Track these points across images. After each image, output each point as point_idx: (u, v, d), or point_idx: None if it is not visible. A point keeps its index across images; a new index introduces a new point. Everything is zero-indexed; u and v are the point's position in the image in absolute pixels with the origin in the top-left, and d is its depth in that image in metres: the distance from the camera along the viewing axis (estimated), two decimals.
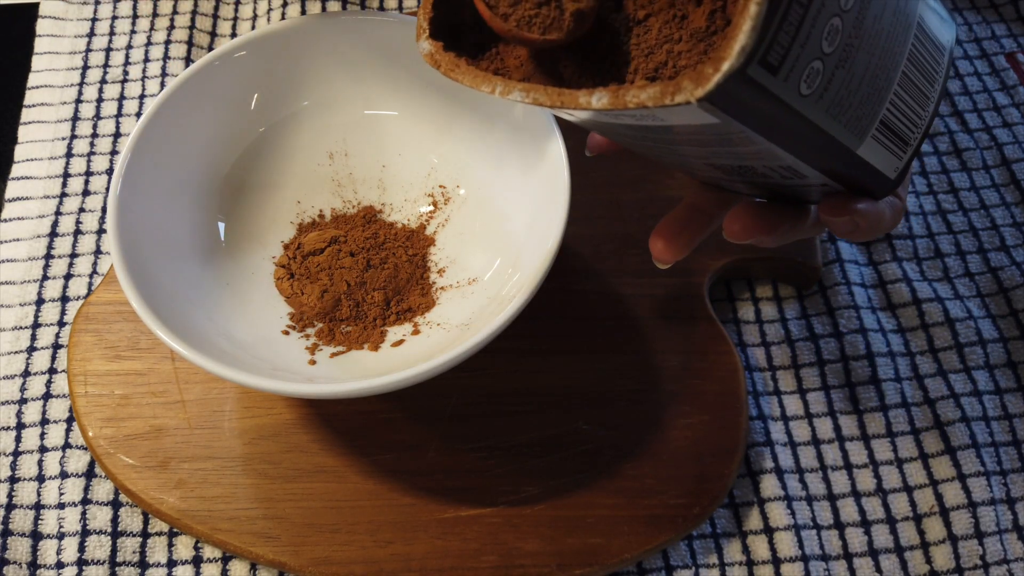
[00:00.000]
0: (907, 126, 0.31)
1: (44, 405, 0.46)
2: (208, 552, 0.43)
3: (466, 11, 0.34)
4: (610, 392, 0.46)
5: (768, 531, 0.43)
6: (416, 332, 0.44)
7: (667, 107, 0.25)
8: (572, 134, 0.44)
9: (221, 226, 0.47)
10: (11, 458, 0.45)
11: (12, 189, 0.54)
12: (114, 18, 0.61)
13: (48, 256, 0.51)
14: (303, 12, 0.61)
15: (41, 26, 0.60)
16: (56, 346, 0.48)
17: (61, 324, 0.49)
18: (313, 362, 0.43)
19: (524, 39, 0.32)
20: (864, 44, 0.27)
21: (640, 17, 0.32)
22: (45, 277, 0.50)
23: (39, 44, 0.60)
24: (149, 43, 0.60)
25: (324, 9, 0.61)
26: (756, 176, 0.33)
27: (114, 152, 0.55)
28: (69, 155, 0.55)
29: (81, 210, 0.53)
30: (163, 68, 0.58)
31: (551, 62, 0.33)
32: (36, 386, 0.47)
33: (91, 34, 0.60)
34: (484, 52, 0.35)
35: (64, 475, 0.44)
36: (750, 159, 0.31)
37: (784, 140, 0.28)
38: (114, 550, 0.43)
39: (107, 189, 0.53)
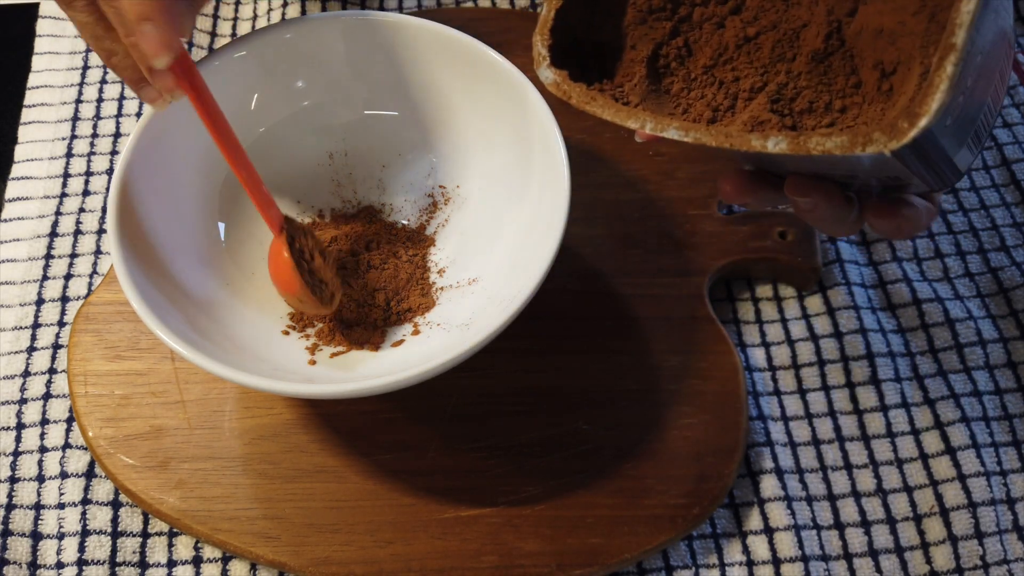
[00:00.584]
0: (986, 129, 0.33)
1: (44, 405, 0.46)
2: (208, 552, 0.43)
3: (577, 28, 0.34)
4: (610, 392, 0.46)
5: (768, 531, 0.43)
6: (416, 332, 0.44)
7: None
8: (573, 133, 0.44)
9: (221, 226, 0.47)
10: (11, 458, 0.45)
11: (12, 189, 0.54)
12: None
13: (48, 256, 0.51)
14: (303, 12, 0.61)
15: (41, 26, 0.60)
16: (56, 346, 0.48)
17: (61, 324, 0.49)
18: (313, 362, 0.43)
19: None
20: (983, 71, 0.29)
21: (751, 34, 0.33)
22: (45, 277, 0.50)
23: (39, 44, 0.60)
24: None
25: (324, 9, 0.61)
26: (851, 180, 0.34)
27: (114, 152, 0.55)
28: (69, 155, 0.55)
29: (81, 210, 0.53)
30: None
31: (658, 77, 0.33)
32: (36, 386, 0.47)
33: None
34: (592, 72, 0.35)
35: (64, 475, 0.44)
36: (869, 175, 0.32)
37: (916, 163, 0.29)
38: (114, 550, 0.43)
39: (107, 189, 0.53)
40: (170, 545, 0.43)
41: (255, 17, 0.62)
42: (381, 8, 0.62)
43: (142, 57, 0.37)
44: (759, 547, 0.43)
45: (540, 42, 0.33)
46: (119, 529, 0.43)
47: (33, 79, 0.58)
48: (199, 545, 0.43)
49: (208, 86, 0.39)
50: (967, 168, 0.34)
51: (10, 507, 0.43)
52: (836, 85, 0.31)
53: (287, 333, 0.44)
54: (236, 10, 0.62)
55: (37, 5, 0.61)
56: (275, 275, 0.43)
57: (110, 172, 0.54)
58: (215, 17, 0.62)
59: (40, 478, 0.44)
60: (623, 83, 0.34)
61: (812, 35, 0.32)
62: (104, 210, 0.53)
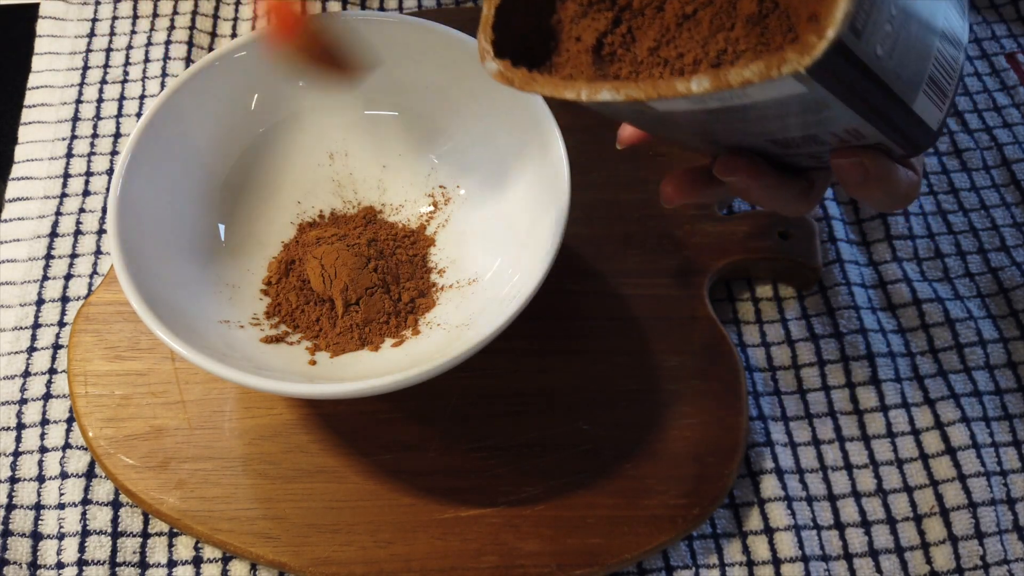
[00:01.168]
0: (947, 79, 0.32)
1: (44, 405, 0.46)
2: (208, 552, 0.43)
3: (522, 27, 0.35)
4: (610, 392, 0.46)
5: (768, 531, 0.43)
6: (416, 332, 0.44)
7: (769, 82, 0.26)
8: (573, 134, 0.44)
9: (221, 226, 0.47)
10: (11, 458, 0.45)
11: (12, 189, 0.54)
12: (114, 18, 0.61)
13: (48, 256, 0.51)
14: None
15: (41, 26, 0.60)
16: (56, 346, 0.48)
17: (61, 324, 0.49)
18: (313, 362, 0.43)
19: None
20: (918, 11, 0.29)
21: (689, 12, 0.33)
22: (45, 277, 0.50)
23: (39, 44, 0.60)
24: (149, 43, 0.60)
25: (324, 9, 0.61)
26: (812, 145, 0.33)
27: (114, 152, 0.55)
28: (69, 155, 0.55)
29: (81, 210, 0.53)
30: (163, 68, 0.58)
31: (604, 64, 0.34)
32: (36, 386, 0.47)
33: (91, 34, 0.60)
34: (541, 65, 0.35)
35: (64, 475, 0.44)
36: (817, 127, 0.31)
37: (859, 103, 0.29)
38: (114, 550, 0.43)
39: (107, 189, 0.53)
40: (170, 545, 0.43)
41: (255, 17, 0.62)
42: (381, 8, 0.62)
43: None
44: (759, 547, 0.43)
45: (483, 39, 0.34)
46: (119, 529, 0.43)
47: (33, 79, 0.58)
48: (199, 545, 0.43)
49: (208, 86, 0.39)
50: (938, 125, 0.33)
51: (10, 507, 0.44)
52: (774, 43, 0.31)
53: (287, 333, 0.44)
54: (236, 10, 0.62)
55: (37, 5, 0.61)
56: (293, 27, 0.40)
57: (110, 172, 0.54)
58: (215, 17, 0.62)
59: (40, 478, 0.44)
60: (571, 74, 0.35)
61: (747, 2, 0.32)
62: (104, 210, 0.53)
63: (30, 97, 0.57)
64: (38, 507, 0.44)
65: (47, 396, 0.47)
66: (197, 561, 0.43)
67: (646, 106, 0.31)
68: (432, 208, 0.49)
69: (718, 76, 0.27)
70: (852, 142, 0.33)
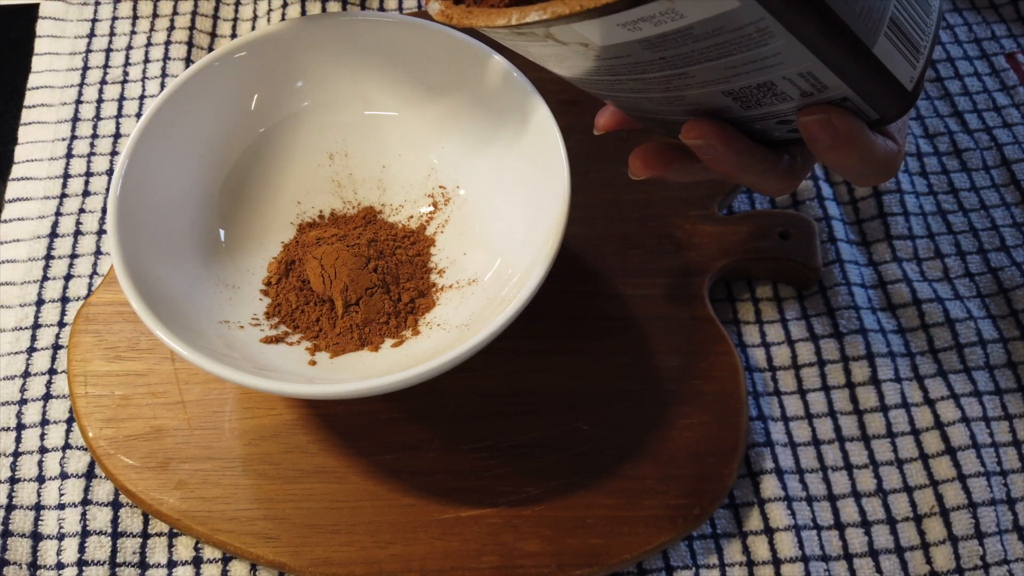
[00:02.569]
0: (916, 29, 0.31)
1: (44, 406, 0.46)
2: (208, 553, 0.43)
3: None
4: (610, 392, 0.46)
5: (768, 531, 0.43)
6: (416, 332, 0.44)
7: None
8: (573, 134, 0.44)
9: (221, 227, 0.47)
10: (11, 459, 0.45)
11: (12, 190, 0.54)
12: (114, 19, 0.61)
13: (48, 257, 0.51)
14: (303, 12, 0.61)
15: (41, 27, 0.60)
16: (56, 347, 0.48)
17: (61, 325, 0.49)
18: (313, 362, 0.43)
19: None
20: None
21: None
22: (45, 278, 0.50)
23: (39, 45, 0.60)
24: (149, 44, 0.60)
25: (324, 9, 0.61)
26: (772, 99, 0.32)
27: (114, 153, 0.55)
28: (69, 156, 0.55)
29: (81, 211, 0.53)
30: (163, 69, 0.58)
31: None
32: (36, 387, 0.47)
33: (91, 35, 0.60)
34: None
35: (64, 476, 0.44)
36: (769, 69, 0.30)
37: (804, 31, 0.27)
38: (114, 551, 0.43)
39: (107, 190, 0.53)
40: (170, 546, 0.43)
41: (255, 17, 0.62)
42: (381, 8, 0.62)
43: None
44: (759, 547, 0.43)
45: None
46: (119, 530, 0.43)
47: (33, 79, 0.58)
48: (199, 546, 0.43)
49: (207, 87, 0.39)
50: (911, 84, 0.32)
51: (10, 508, 0.44)
52: None
53: (287, 333, 0.44)
54: (236, 10, 0.62)
55: (37, 5, 0.61)
56: None
57: (110, 172, 0.54)
58: (215, 17, 0.62)
59: (40, 479, 0.44)
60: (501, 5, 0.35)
61: None
62: (104, 211, 0.53)
63: (30, 97, 0.57)
64: (38, 507, 0.44)
65: (47, 396, 0.47)
66: (197, 561, 0.43)
67: (588, 45, 0.30)
68: (432, 208, 0.49)
69: None
70: (814, 95, 0.31)
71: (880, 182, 0.37)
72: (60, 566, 0.42)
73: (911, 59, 0.31)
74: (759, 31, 0.28)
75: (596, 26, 0.29)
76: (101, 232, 0.52)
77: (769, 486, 0.44)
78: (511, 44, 0.34)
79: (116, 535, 0.43)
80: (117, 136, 0.56)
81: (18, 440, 0.45)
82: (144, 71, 0.59)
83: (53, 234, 0.52)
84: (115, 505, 0.44)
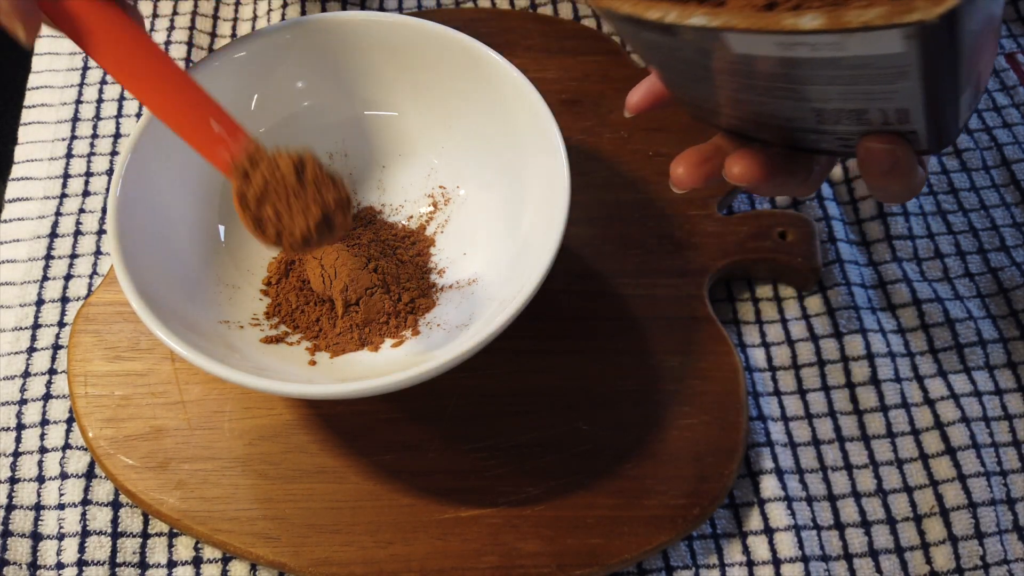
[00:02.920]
0: (985, 76, 0.32)
1: (44, 406, 0.46)
2: (208, 553, 0.43)
3: None
4: (610, 392, 0.46)
5: (768, 531, 0.43)
6: (416, 332, 0.44)
7: (876, 33, 0.25)
8: (573, 134, 0.44)
9: (221, 227, 0.47)
10: (11, 459, 0.45)
11: (12, 190, 0.54)
12: None
13: (48, 257, 0.51)
14: (303, 12, 0.61)
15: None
16: (56, 347, 0.48)
17: (61, 325, 0.49)
18: (313, 363, 0.43)
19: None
20: (989, 23, 0.28)
21: None
22: (45, 278, 0.50)
23: (39, 44, 0.60)
24: None
25: (324, 9, 0.61)
26: (853, 122, 0.33)
27: (114, 153, 0.55)
28: (69, 156, 0.55)
29: (81, 211, 0.53)
30: None
31: None
32: (36, 387, 0.47)
33: None
34: None
35: (64, 476, 0.44)
36: (877, 100, 0.30)
37: (935, 79, 0.28)
38: (114, 551, 0.43)
39: (107, 190, 0.53)
40: (170, 546, 0.43)
41: (255, 17, 0.62)
42: (381, 9, 0.62)
43: None
44: (759, 547, 0.43)
45: None
46: (119, 530, 0.43)
47: (33, 79, 0.58)
48: (199, 546, 0.43)
49: (207, 86, 0.39)
50: (963, 124, 0.33)
51: (10, 508, 0.43)
52: None
53: (287, 333, 0.44)
54: (236, 10, 0.62)
55: None
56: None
57: (110, 172, 0.54)
58: (215, 17, 0.62)
59: (40, 479, 0.44)
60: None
61: None
62: (104, 211, 0.53)
63: (30, 97, 0.57)
64: (38, 507, 0.44)
65: (47, 396, 0.47)
66: (197, 561, 0.43)
67: (718, 43, 0.30)
68: (432, 208, 0.49)
69: (833, 17, 0.26)
70: (892, 125, 0.32)
71: (904, 202, 0.37)
72: (60, 566, 0.42)
73: (972, 103, 0.33)
74: (898, 72, 0.28)
75: (755, 40, 0.29)
76: (101, 232, 0.52)
77: (769, 486, 0.44)
78: (622, 28, 0.33)
79: (116, 535, 0.43)
80: (117, 136, 0.56)
81: (18, 440, 0.45)
82: None
83: (53, 234, 0.52)
84: (115, 505, 0.44)
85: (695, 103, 0.38)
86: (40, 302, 0.50)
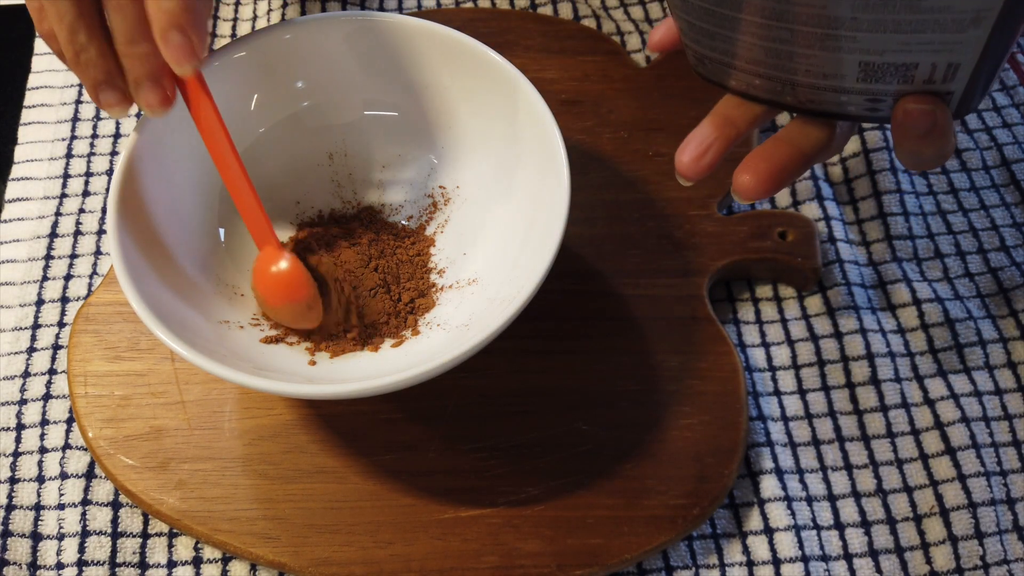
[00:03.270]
0: (999, 73, 0.33)
1: (44, 406, 0.46)
2: (208, 553, 0.43)
3: None
4: (610, 392, 0.46)
5: (768, 531, 0.43)
6: (416, 332, 0.44)
7: None
8: (572, 134, 0.44)
9: (221, 229, 0.47)
10: (11, 459, 0.45)
11: (12, 190, 0.54)
12: None
13: (48, 257, 0.51)
14: (303, 12, 0.61)
15: None
16: (56, 347, 0.48)
17: (61, 325, 0.49)
18: (313, 363, 0.43)
19: None
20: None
21: None
22: (45, 278, 0.50)
23: (39, 44, 0.60)
24: None
25: (324, 9, 0.61)
26: (897, 80, 0.33)
27: (114, 153, 0.55)
28: (69, 156, 0.55)
29: (81, 211, 0.53)
30: None
31: None
32: (36, 387, 0.47)
33: None
34: None
35: (64, 476, 0.44)
36: (932, 55, 0.31)
37: (1005, 29, 0.29)
38: (114, 551, 0.43)
39: (107, 190, 0.53)
40: (170, 546, 0.43)
41: (255, 17, 0.62)
42: (381, 8, 0.62)
43: (146, 64, 0.36)
44: (759, 547, 0.43)
45: None
46: (119, 530, 0.43)
47: (33, 79, 0.58)
48: (199, 546, 0.43)
49: (209, 83, 0.39)
50: (983, 98, 0.34)
51: (10, 508, 0.44)
52: None
53: (287, 333, 0.44)
54: (236, 10, 0.62)
55: None
56: (273, 286, 0.43)
57: (110, 172, 0.54)
58: (215, 17, 0.62)
59: (40, 479, 0.44)
60: None
61: None
62: (104, 211, 0.53)
63: (30, 97, 0.57)
64: (38, 507, 0.44)
65: (47, 397, 0.47)
66: (197, 562, 0.43)
67: None
68: (432, 208, 0.49)
69: None
70: (935, 84, 0.32)
71: (934, 168, 0.37)
72: (60, 566, 0.42)
73: (993, 84, 0.33)
74: (976, 18, 0.28)
75: None
76: (101, 232, 0.52)
77: (769, 486, 0.44)
78: None
79: (116, 535, 0.43)
80: (117, 136, 0.56)
81: (18, 440, 0.45)
82: None
83: (53, 234, 0.52)
84: (115, 505, 0.44)
85: (715, 56, 0.37)
86: (40, 302, 0.50)
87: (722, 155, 0.38)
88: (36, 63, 0.59)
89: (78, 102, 0.57)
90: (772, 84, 0.36)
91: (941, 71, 0.32)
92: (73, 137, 0.56)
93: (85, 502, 0.44)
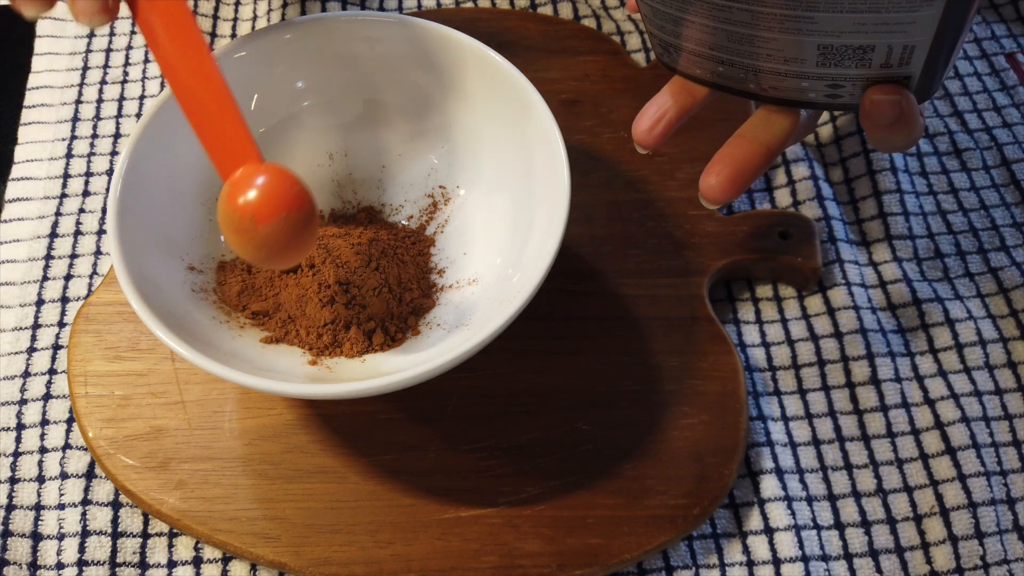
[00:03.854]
0: (955, 57, 0.33)
1: (44, 406, 0.46)
2: (208, 553, 0.43)
3: None
4: (610, 392, 0.46)
5: (768, 531, 0.43)
6: (416, 332, 0.44)
7: None
8: (572, 134, 0.44)
9: None
10: (11, 459, 0.45)
11: (12, 190, 0.54)
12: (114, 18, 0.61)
13: (48, 257, 0.51)
14: (303, 12, 0.61)
15: (41, 27, 0.60)
16: (56, 347, 0.48)
17: (61, 325, 0.49)
18: (313, 363, 0.43)
19: None
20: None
21: None
22: (45, 278, 0.50)
23: (39, 45, 0.60)
24: None
25: (324, 9, 0.61)
26: (854, 63, 0.33)
27: (114, 153, 0.55)
28: (69, 156, 0.55)
29: (81, 211, 0.53)
30: None
31: None
32: (36, 387, 0.47)
33: (91, 35, 0.60)
34: None
35: (64, 476, 0.44)
36: (887, 36, 0.32)
37: (956, 8, 0.29)
38: (114, 551, 0.43)
39: (107, 190, 0.53)
40: (170, 546, 0.43)
41: (255, 17, 0.62)
42: (381, 9, 0.62)
43: None
44: (759, 547, 0.43)
45: None
46: (119, 530, 0.43)
47: (33, 79, 0.58)
48: (199, 546, 0.43)
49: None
50: (944, 78, 0.34)
51: (10, 508, 0.44)
52: None
53: (286, 334, 0.44)
54: (236, 10, 0.62)
55: None
56: (264, 195, 0.35)
57: (110, 173, 0.54)
58: (215, 17, 0.62)
59: (40, 479, 0.44)
60: None
61: None
62: (104, 211, 0.53)
63: (30, 97, 0.57)
64: (38, 507, 0.44)
65: (47, 396, 0.47)
66: (197, 561, 0.43)
67: None
68: (432, 208, 0.49)
69: None
70: (891, 69, 0.33)
71: (905, 151, 0.38)
72: (60, 566, 0.42)
73: (953, 62, 0.34)
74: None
75: None
76: (101, 232, 0.52)
77: (769, 486, 0.44)
78: None
79: (116, 535, 0.43)
80: (117, 136, 0.56)
81: (18, 440, 0.45)
82: (144, 71, 0.59)
83: (53, 234, 0.52)
84: (115, 505, 0.44)
85: (679, 43, 0.38)
86: (40, 302, 0.50)
87: (676, 124, 0.40)
88: (36, 63, 0.59)
89: (78, 102, 0.57)
90: (735, 71, 0.37)
91: (897, 54, 0.33)
92: (73, 137, 0.56)
93: (85, 502, 0.44)
